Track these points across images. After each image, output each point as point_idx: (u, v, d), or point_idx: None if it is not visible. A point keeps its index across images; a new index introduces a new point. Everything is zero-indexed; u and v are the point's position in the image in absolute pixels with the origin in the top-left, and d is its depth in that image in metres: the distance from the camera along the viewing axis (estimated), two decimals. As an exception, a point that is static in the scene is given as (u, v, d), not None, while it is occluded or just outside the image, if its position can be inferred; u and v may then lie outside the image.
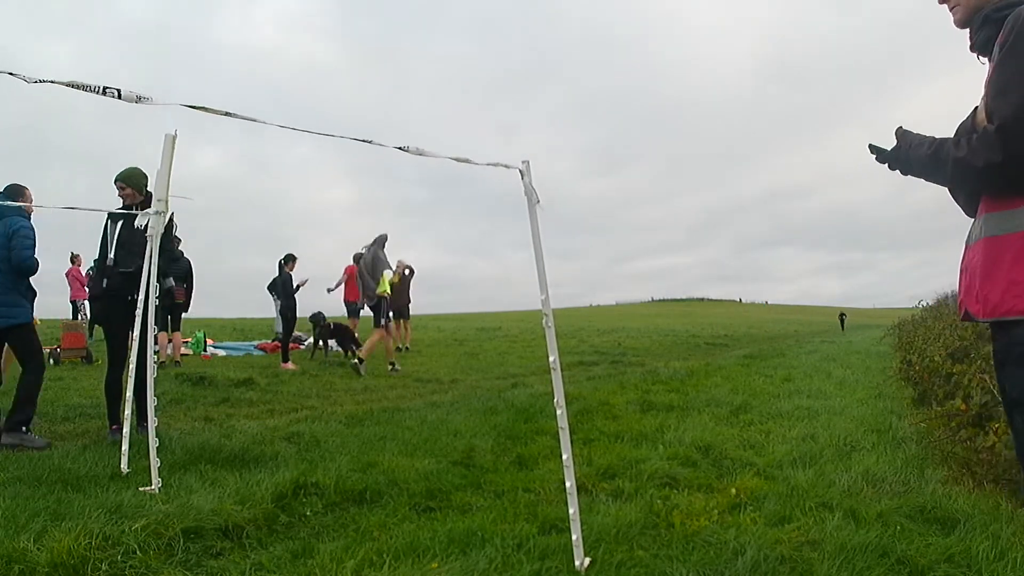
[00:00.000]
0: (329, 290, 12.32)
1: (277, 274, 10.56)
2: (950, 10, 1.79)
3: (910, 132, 1.81)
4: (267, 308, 11.29)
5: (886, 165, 1.84)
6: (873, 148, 1.86)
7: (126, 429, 3.66)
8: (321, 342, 11.55)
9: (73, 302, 13.58)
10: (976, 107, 1.66)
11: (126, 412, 3.70)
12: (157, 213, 3.54)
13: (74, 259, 13.49)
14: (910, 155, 1.75)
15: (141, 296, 3.66)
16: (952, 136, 1.69)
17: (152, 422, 3.40)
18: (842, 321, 34.01)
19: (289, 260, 10.40)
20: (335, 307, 13.04)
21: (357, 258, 11.97)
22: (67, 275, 13.46)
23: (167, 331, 9.47)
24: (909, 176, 1.81)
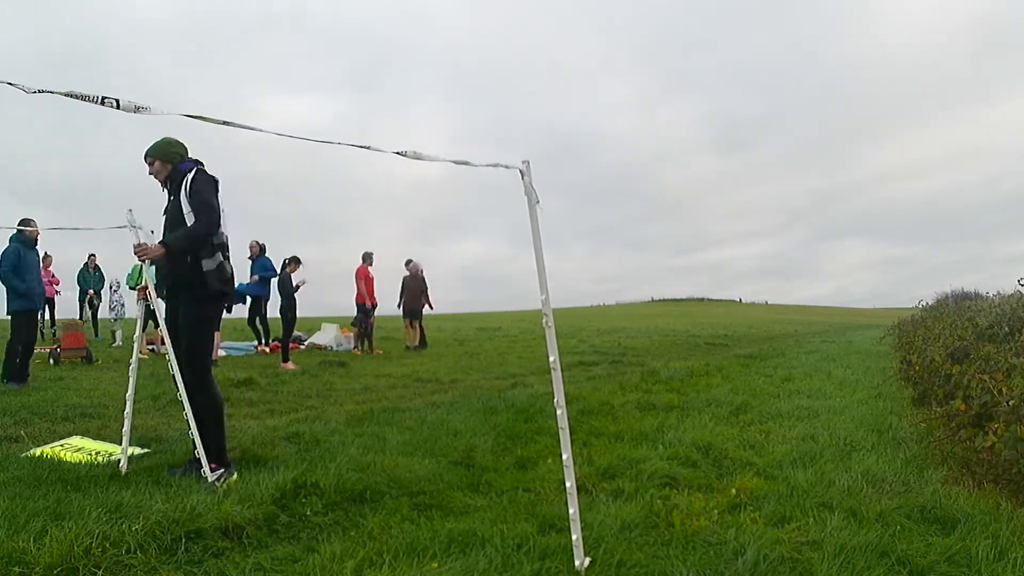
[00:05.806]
0: (373, 306, 12.45)
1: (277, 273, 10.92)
2: None
3: None
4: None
5: None
6: None
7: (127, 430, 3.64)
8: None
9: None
10: None
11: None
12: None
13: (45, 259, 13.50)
14: None
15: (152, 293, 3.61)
16: None
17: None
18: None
19: (292, 262, 10.74)
20: (341, 309, 13.23)
21: (366, 257, 12.28)
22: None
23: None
24: None
